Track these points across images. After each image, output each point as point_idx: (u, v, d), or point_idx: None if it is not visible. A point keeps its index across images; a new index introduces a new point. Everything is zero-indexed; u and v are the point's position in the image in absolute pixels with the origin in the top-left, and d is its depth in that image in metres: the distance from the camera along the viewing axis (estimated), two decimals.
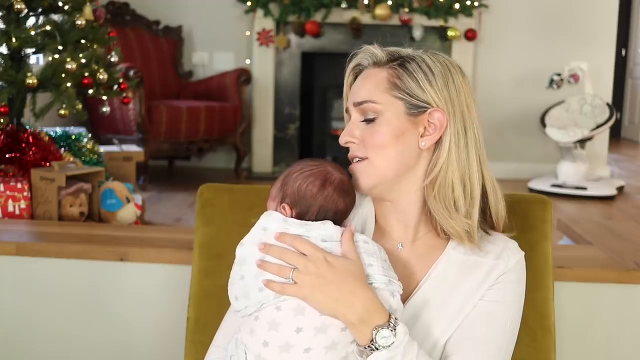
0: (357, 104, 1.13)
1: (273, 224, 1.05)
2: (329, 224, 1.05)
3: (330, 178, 1.07)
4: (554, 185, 4.92)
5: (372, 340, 0.99)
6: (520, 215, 1.32)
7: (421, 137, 1.11)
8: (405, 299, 1.08)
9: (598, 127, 4.95)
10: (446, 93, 1.10)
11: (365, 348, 1.00)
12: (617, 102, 7.60)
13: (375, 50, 1.15)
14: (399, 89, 1.11)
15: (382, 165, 1.10)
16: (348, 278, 1.00)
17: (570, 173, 4.92)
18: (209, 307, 1.37)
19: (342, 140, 1.14)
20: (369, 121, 1.12)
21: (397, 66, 1.12)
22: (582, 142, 4.96)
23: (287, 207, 1.06)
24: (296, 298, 1.00)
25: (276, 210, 1.07)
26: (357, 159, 1.12)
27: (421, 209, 1.14)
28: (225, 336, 1.15)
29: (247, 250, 1.05)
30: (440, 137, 1.11)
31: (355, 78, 1.18)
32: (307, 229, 1.03)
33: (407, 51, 1.15)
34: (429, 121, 1.10)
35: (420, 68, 1.11)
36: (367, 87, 1.13)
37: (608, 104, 5.07)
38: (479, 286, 1.12)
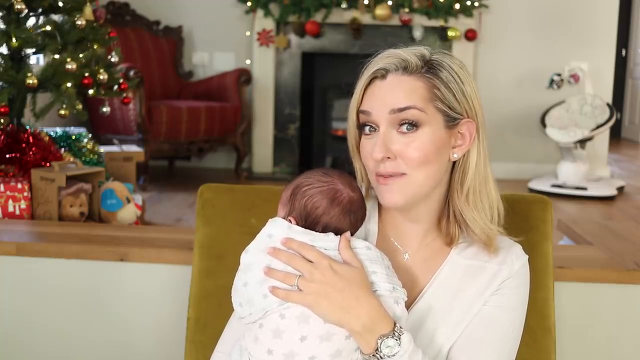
0: (397, 110, 1.04)
1: (278, 230, 1.05)
2: (331, 235, 1.04)
3: (338, 197, 1.05)
4: (554, 185, 4.92)
5: (377, 349, 0.99)
6: (520, 215, 1.31)
7: (452, 148, 1.08)
8: (408, 305, 1.08)
9: (598, 127, 4.95)
10: (474, 102, 1.08)
11: (370, 356, 1.00)
12: (617, 102, 7.60)
13: (407, 56, 1.07)
14: (440, 100, 1.06)
15: (420, 182, 1.06)
16: (352, 285, 0.99)
17: (570, 173, 4.92)
18: (209, 307, 1.37)
19: (378, 156, 1.04)
20: (409, 130, 1.05)
21: (430, 75, 1.06)
22: (582, 142, 4.96)
23: (294, 220, 1.06)
24: (301, 305, 1.00)
25: (285, 219, 1.07)
26: (393, 177, 1.05)
27: (434, 217, 1.13)
28: (229, 342, 1.14)
29: (252, 256, 1.04)
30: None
31: (368, 84, 1.09)
32: (311, 239, 1.03)
33: (427, 53, 1.09)
34: (459, 132, 1.08)
35: (451, 76, 1.06)
36: (405, 94, 1.05)
37: (608, 104, 5.06)
38: (482, 291, 1.11)
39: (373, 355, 0.99)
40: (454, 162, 1.11)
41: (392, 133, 1.05)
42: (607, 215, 4.36)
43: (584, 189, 4.85)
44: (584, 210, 4.47)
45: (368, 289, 1.01)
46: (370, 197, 1.16)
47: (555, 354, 1.35)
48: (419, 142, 1.05)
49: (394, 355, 0.99)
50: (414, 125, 1.05)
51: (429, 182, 1.07)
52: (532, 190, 4.91)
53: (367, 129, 1.08)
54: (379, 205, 1.18)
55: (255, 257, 1.04)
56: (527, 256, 1.16)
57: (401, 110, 1.04)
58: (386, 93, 1.06)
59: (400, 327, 1.00)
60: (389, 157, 1.05)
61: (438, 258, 1.14)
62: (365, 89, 1.09)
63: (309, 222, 1.05)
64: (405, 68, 1.07)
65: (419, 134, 1.05)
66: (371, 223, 1.16)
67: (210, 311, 1.37)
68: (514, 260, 1.14)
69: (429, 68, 1.07)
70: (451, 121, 1.07)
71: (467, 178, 1.10)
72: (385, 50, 1.10)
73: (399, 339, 0.99)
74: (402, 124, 1.05)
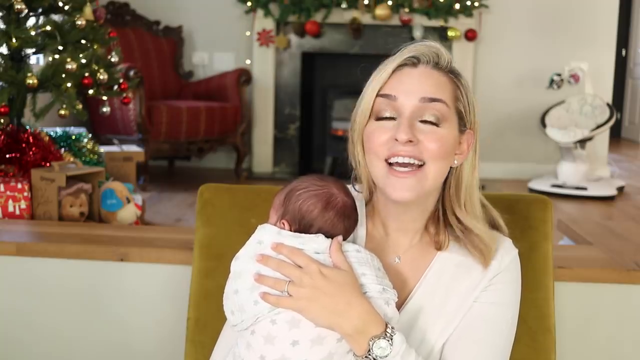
0: (428, 100, 1.04)
1: (267, 236, 1.05)
2: (320, 237, 1.04)
3: (332, 201, 1.05)
4: (554, 185, 4.92)
5: (369, 351, 0.99)
6: (520, 215, 1.31)
7: (455, 154, 1.09)
8: (399, 306, 1.08)
9: (598, 127, 4.95)
10: (477, 115, 1.10)
11: (362, 358, 1.00)
12: (617, 102, 7.60)
13: (442, 51, 1.09)
14: (461, 102, 1.08)
15: (432, 175, 1.06)
16: (343, 289, 0.99)
17: (570, 173, 4.92)
18: (209, 307, 1.37)
19: (404, 137, 1.02)
20: (433, 123, 1.04)
21: (454, 77, 1.08)
22: (582, 142, 4.96)
23: (286, 223, 1.06)
24: (292, 311, 1.00)
25: (276, 223, 1.07)
26: (414, 163, 1.04)
27: (425, 218, 1.14)
28: (223, 351, 1.14)
29: (242, 263, 1.04)
30: None
31: (393, 70, 1.08)
32: (301, 241, 1.03)
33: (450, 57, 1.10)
34: (460, 141, 1.09)
35: (468, 86, 1.09)
36: (437, 87, 1.06)
37: (608, 104, 5.06)
38: (473, 287, 1.11)
39: (365, 357, 0.99)
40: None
41: (415, 121, 1.05)
42: (607, 215, 4.36)
43: (584, 189, 4.84)
44: (584, 210, 4.46)
45: (359, 292, 1.01)
46: (357, 200, 1.14)
47: (555, 354, 1.35)
48: (440, 136, 1.05)
49: (386, 356, 0.99)
50: (438, 119, 1.05)
51: (438, 179, 1.08)
52: (532, 190, 4.91)
53: (386, 113, 1.06)
54: (367, 209, 1.17)
55: (245, 265, 1.04)
56: (516, 250, 1.15)
57: (432, 100, 1.05)
58: (417, 80, 1.06)
59: (392, 328, 1.00)
60: (411, 141, 1.04)
61: (426, 258, 1.14)
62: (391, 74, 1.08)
63: (303, 225, 1.05)
64: (437, 63, 1.08)
65: (441, 129, 1.05)
66: (359, 228, 1.15)
67: (210, 311, 1.37)
68: (503, 254, 1.13)
69: (451, 71, 1.09)
70: (463, 126, 1.09)
71: (461, 189, 1.10)
72: (422, 40, 1.10)
73: (391, 339, 0.99)
74: (427, 116, 1.05)
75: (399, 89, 1.06)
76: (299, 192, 1.06)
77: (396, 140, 1.04)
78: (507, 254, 1.13)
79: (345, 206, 1.06)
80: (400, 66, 1.08)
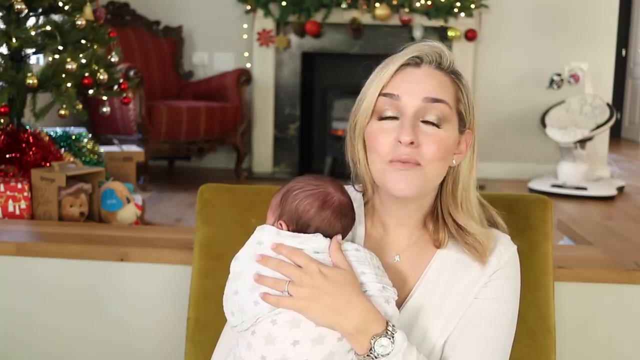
0: (431, 100, 1.05)
1: (267, 237, 1.05)
2: (319, 236, 1.04)
3: (329, 200, 1.05)
4: (554, 185, 4.92)
5: (371, 349, 0.99)
6: (520, 215, 1.32)
7: (453, 154, 1.10)
8: (399, 304, 1.08)
9: (598, 127, 4.95)
10: (476, 116, 1.10)
11: (364, 357, 1.00)
12: (617, 102, 7.60)
13: (445, 52, 1.09)
14: (462, 103, 1.08)
15: (431, 177, 1.07)
16: (343, 288, 0.99)
17: (570, 173, 4.92)
18: (209, 307, 1.37)
19: (407, 139, 1.02)
20: (435, 124, 1.05)
21: (456, 78, 1.09)
22: (582, 142, 4.96)
23: (284, 224, 1.06)
24: (292, 310, 1.00)
25: (274, 224, 1.07)
26: (410, 163, 1.04)
27: (423, 218, 1.14)
28: (224, 352, 1.14)
29: (242, 263, 1.04)
30: None
31: (397, 69, 1.08)
32: (300, 241, 1.03)
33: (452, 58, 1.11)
34: (459, 141, 1.10)
35: (468, 87, 1.09)
36: (440, 87, 1.06)
37: (608, 104, 5.06)
38: (473, 284, 1.11)
39: (367, 356, 0.99)
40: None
41: (417, 121, 1.05)
42: (607, 215, 4.36)
43: (584, 189, 4.84)
44: (584, 210, 4.46)
45: (359, 291, 1.01)
46: (356, 200, 1.15)
47: (555, 354, 1.35)
48: (440, 138, 1.05)
49: (387, 354, 0.98)
50: (440, 120, 1.05)
51: (436, 180, 1.09)
52: (532, 190, 4.91)
53: (389, 112, 1.06)
54: (366, 209, 1.17)
55: (245, 265, 1.04)
56: (515, 246, 1.15)
57: (435, 100, 1.05)
58: (420, 80, 1.06)
59: (393, 326, 1.00)
60: (412, 143, 1.04)
61: (425, 256, 1.14)
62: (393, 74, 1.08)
63: (300, 225, 1.05)
64: (440, 63, 1.09)
65: (441, 131, 1.06)
66: (358, 227, 1.15)
67: (210, 311, 1.37)
68: (502, 251, 1.13)
69: (453, 72, 1.10)
70: (462, 127, 1.09)
71: (458, 188, 1.11)
72: (424, 40, 1.10)
73: (392, 337, 0.99)
74: (429, 116, 1.05)
75: (402, 89, 1.06)
76: (295, 192, 1.06)
77: (399, 142, 1.04)
78: (506, 250, 1.13)
79: (341, 205, 1.06)
80: (403, 66, 1.08)
